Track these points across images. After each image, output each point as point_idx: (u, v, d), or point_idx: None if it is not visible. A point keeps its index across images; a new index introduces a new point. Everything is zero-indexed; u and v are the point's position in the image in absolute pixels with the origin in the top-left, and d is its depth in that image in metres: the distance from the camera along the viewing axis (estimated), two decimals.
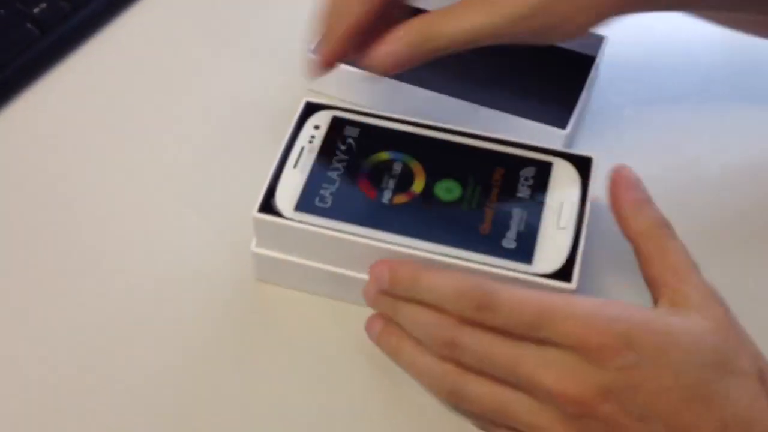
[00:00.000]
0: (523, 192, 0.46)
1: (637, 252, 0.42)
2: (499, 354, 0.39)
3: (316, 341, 0.47)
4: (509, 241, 0.44)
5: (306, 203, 0.45)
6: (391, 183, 0.46)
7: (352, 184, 0.46)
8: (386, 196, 0.46)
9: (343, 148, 0.48)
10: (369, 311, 0.45)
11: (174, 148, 0.56)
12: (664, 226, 0.42)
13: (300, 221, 0.45)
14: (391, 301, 0.43)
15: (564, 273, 0.43)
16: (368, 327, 0.44)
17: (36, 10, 0.59)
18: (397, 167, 0.47)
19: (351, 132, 0.49)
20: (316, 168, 0.47)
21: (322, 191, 0.46)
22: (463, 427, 0.44)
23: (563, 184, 0.47)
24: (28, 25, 0.58)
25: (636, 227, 0.43)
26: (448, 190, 0.46)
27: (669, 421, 0.37)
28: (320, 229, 0.44)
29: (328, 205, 0.45)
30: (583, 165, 0.47)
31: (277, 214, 0.45)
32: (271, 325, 0.48)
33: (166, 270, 0.50)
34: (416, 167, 0.47)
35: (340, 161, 0.47)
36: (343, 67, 0.52)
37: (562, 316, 0.38)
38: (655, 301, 0.41)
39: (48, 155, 0.55)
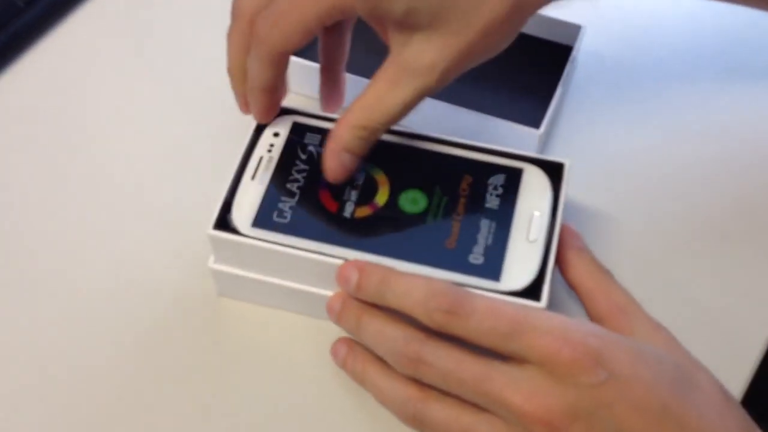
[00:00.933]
0: (492, 202, 0.44)
1: (581, 293, 0.42)
2: (465, 371, 0.38)
3: (279, 356, 0.46)
4: (476, 257, 0.42)
5: (264, 219, 0.43)
6: (354, 195, 0.44)
7: (312, 198, 0.44)
8: (348, 210, 0.44)
9: (303, 157, 0.46)
10: (332, 325, 0.43)
11: (132, 157, 0.54)
12: (605, 270, 0.43)
13: (257, 238, 0.43)
14: (356, 316, 0.41)
15: (533, 290, 0.41)
16: (333, 352, 0.43)
17: None
18: (360, 177, 0.45)
19: (312, 140, 0.46)
20: (275, 180, 0.45)
21: (280, 205, 0.44)
22: None
23: (534, 192, 0.45)
24: None
25: (579, 270, 0.42)
26: (413, 201, 0.44)
27: None
28: (277, 247, 0.42)
29: (287, 220, 0.43)
30: (555, 171, 0.45)
31: (234, 230, 0.43)
32: (233, 341, 0.46)
33: (126, 285, 0.48)
34: (380, 177, 0.45)
35: (300, 171, 0.45)
36: (314, 65, 0.50)
37: (535, 329, 0.36)
38: None
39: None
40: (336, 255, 0.42)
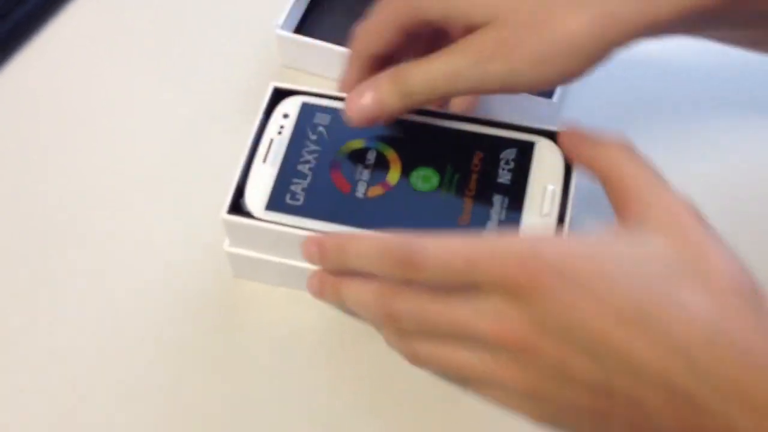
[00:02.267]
0: (504, 177, 0.44)
1: (602, 180, 0.40)
2: (433, 313, 0.37)
3: (295, 334, 0.46)
4: (490, 233, 0.42)
5: (277, 202, 0.44)
6: (366, 174, 0.44)
7: (324, 178, 0.44)
8: (360, 190, 0.44)
9: (314, 137, 0.46)
10: None
11: (144, 143, 0.54)
12: (627, 147, 0.40)
13: (271, 221, 0.43)
14: (334, 290, 0.42)
15: None
16: (309, 286, 0.43)
17: None
18: (371, 156, 0.45)
19: (321, 120, 0.46)
20: (287, 162, 0.45)
21: (293, 187, 0.44)
22: (446, 426, 0.43)
23: (546, 165, 0.44)
24: None
25: (599, 156, 0.40)
26: (425, 178, 0.44)
27: (618, 352, 0.33)
28: (292, 230, 0.42)
29: (300, 202, 0.43)
30: None
31: (248, 214, 0.43)
32: (250, 322, 0.47)
33: (143, 269, 0.49)
34: (391, 155, 0.45)
35: (311, 153, 0.45)
36: (318, 43, 0.50)
37: (486, 257, 0.35)
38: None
39: (13, 153, 0.54)
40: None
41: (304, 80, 0.54)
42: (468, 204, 0.43)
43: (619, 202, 0.39)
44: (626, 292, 0.33)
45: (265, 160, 0.45)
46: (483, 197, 0.43)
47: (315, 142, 0.45)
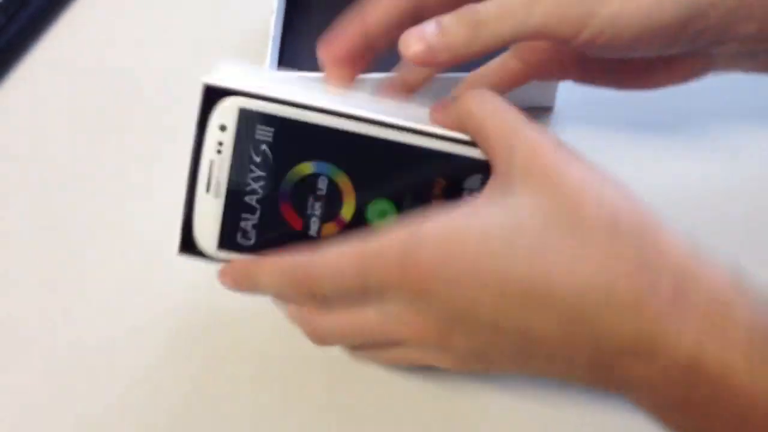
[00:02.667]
0: None
1: (472, 134, 0.38)
2: (352, 328, 0.39)
3: (270, 356, 0.48)
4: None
5: (229, 240, 0.42)
6: (317, 208, 0.41)
7: (274, 213, 0.41)
8: (314, 228, 0.41)
9: (257, 159, 0.41)
10: None
11: (116, 171, 0.55)
12: (480, 92, 0.38)
13: (226, 261, 0.42)
14: (248, 284, 0.42)
15: None
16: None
17: None
18: (322, 185, 0.41)
19: (264, 135, 0.40)
20: (232, 192, 0.41)
21: (242, 224, 0.41)
22: None
23: None
24: None
25: (458, 113, 0.39)
26: (381, 214, 0.41)
27: (518, 331, 0.35)
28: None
29: (252, 241, 0.42)
30: None
31: (200, 253, 0.42)
32: (227, 341, 0.49)
33: (119, 291, 0.50)
34: (344, 183, 0.41)
35: (256, 180, 0.41)
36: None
37: (375, 263, 0.36)
38: None
39: None
40: None
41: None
42: None
43: (488, 149, 0.38)
44: (505, 273, 0.34)
45: (208, 190, 0.41)
46: None
47: (259, 166, 0.41)
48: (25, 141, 0.57)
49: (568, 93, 0.54)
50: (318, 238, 0.41)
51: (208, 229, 0.41)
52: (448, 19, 0.39)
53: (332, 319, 0.39)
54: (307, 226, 0.41)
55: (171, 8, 0.65)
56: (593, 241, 0.33)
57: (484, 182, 0.40)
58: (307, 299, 0.40)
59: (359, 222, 0.41)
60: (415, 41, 0.39)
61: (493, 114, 0.37)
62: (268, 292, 0.40)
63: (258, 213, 0.41)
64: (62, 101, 0.59)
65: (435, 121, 0.40)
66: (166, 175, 0.52)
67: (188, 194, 0.41)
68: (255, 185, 0.41)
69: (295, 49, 0.57)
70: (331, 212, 0.41)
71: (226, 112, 0.40)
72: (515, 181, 0.35)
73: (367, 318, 0.38)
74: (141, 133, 0.58)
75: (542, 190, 0.34)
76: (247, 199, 0.41)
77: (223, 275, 0.41)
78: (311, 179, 0.41)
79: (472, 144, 0.40)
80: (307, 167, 0.41)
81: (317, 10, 0.57)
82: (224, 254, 0.42)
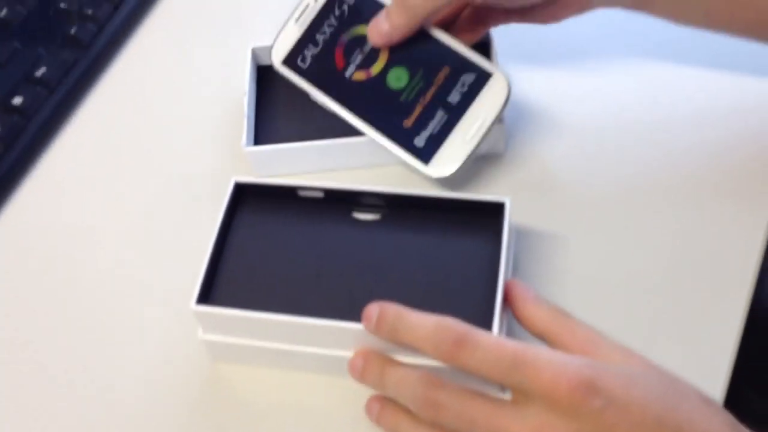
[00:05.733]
0: (454, 97, 0.56)
1: (550, 339, 0.45)
2: (476, 410, 0.41)
3: (277, 415, 0.49)
4: (420, 140, 0.56)
5: (291, 60, 0.59)
6: (359, 58, 0.58)
7: (329, 52, 0.58)
8: (349, 71, 0.58)
9: (337, 13, 0.58)
10: (328, 379, 0.50)
11: (117, 236, 0.59)
12: (564, 311, 0.45)
13: (283, 73, 0.59)
14: (379, 369, 0.46)
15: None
16: (368, 409, 0.47)
17: None
18: (368, 45, 0.58)
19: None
20: (311, 28, 0.58)
21: (306, 51, 0.59)
22: None
23: (489, 98, 0.55)
24: None
25: (541, 319, 0.45)
26: (397, 78, 0.57)
27: None
28: (262, 315, 0.47)
29: (306, 66, 0.58)
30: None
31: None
32: (230, 403, 0.50)
33: (123, 356, 0.53)
34: (383, 48, 0.58)
35: (330, 26, 0.58)
36: (287, 146, 0.59)
37: (535, 363, 0.40)
38: None
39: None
40: (336, 111, 0.57)
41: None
42: (417, 111, 0.56)
43: (576, 352, 0.43)
44: (647, 407, 0.39)
45: (297, 21, 0.59)
46: (430, 108, 0.56)
47: (336, 17, 0.58)
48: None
49: (514, 141, 0.60)
50: (348, 80, 0.57)
51: (284, 47, 0.59)
52: (393, 9, 0.55)
53: (464, 398, 0.42)
54: (345, 68, 0.58)
55: (156, 94, 0.68)
56: (698, 408, 0.40)
57: (474, 80, 0.55)
58: (442, 358, 0.43)
59: (380, 78, 0.57)
60: (375, 34, 0.56)
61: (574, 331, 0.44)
62: (410, 337, 0.44)
63: (319, 48, 0.59)
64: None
65: None
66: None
67: (212, 256, 0.50)
68: (327, 29, 0.59)
69: (267, 126, 0.62)
70: (365, 64, 0.58)
71: None
72: (626, 364, 0.42)
73: (501, 412, 0.41)
74: (152, 193, 0.62)
75: (646, 366, 0.42)
76: (317, 35, 0.59)
77: (373, 306, 0.45)
78: (363, 39, 0.58)
79: (482, 54, 0.56)
80: (364, 29, 0.58)
81: (284, 90, 0.61)
82: (283, 69, 0.58)
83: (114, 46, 0.71)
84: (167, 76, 0.69)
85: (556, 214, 0.56)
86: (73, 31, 0.69)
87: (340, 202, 0.53)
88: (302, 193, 0.53)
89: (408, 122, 0.56)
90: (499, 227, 0.50)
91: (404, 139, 0.56)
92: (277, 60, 0.59)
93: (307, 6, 0.59)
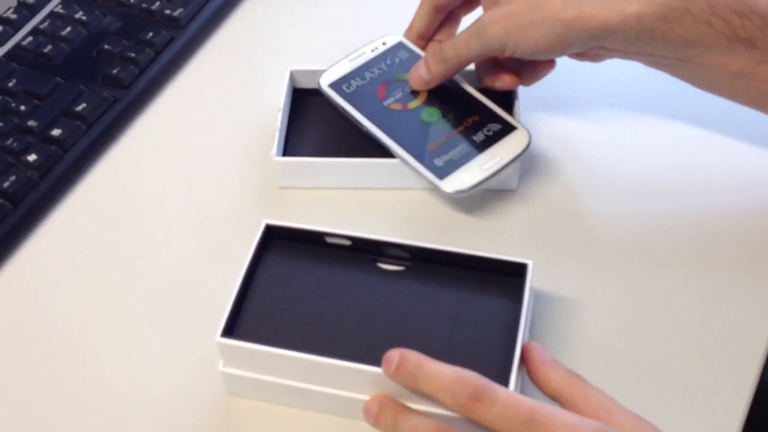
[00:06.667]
0: (479, 137, 0.60)
1: (563, 401, 0.45)
2: None
3: None
4: (440, 161, 0.59)
5: (337, 86, 0.63)
6: (399, 95, 0.63)
7: (374, 86, 0.64)
8: (388, 101, 0.62)
9: (389, 62, 0.65)
10: (342, 421, 0.50)
11: (142, 266, 0.60)
12: (578, 375, 0.46)
13: (327, 94, 0.63)
14: (393, 416, 0.46)
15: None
16: (366, 411, 0.48)
17: (6, 184, 0.63)
18: (409, 88, 0.63)
19: (402, 55, 0.65)
20: (362, 67, 0.64)
21: (353, 82, 0.64)
22: None
23: (511, 144, 0.59)
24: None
25: (555, 381, 0.46)
26: (430, 114, 0.62)
27: None
28: (285, 352, 0.48)
29: (350, 91, 0.63)
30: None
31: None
32: None
33: (139, 389, 0.53)
34: (423, 92, 0.63)
35: (380, 69, 0.64)
36: (313, 160, 0.63)
37: (550, 421, 0.41)
38: None
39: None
40: (365, 126, 0.61)
41: (303, 195, 0.63)
42: (443, 139, 0.60)
43: (589, 416, 0.44)
44: None
45: (351, 60, 0.65)
46: (455, 140, 0.60)
47: (388, 65, 0.64)
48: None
49: (527, 177, 0.63)
50: (386, 108, 0.62)
51: (334, 75, 0.64)
52: (430, 60, 0.61)
53: None
54: (385, 99, 0.62)
55: (198, 106, 0.72)
56: None
57: (499, 129, 0.60)
58: (458, 409, 0.43)
59: (415, 112, 0.62)
60: (416, 80, 0.62)
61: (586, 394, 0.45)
62: (428, 386, 0.44)
63: (366, 81, 0.64)
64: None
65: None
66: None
67: (238, 294, 0.52)
68: (376, 71, 0.64)
69: (296, 139, 0.65)
70: (404, 100, 0.62)
71: (390, 38, 0.66)
72: None
73: None
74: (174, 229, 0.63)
75: None
76: (366, 73, 0.64)
77: (394, 352, 0.46)
78: (406, 83, 0.63)
79: (509, 110, 0.61)
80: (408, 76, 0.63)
81: (315, 109, 0.67)
82: (328, 90, 0.63)
83: (153, 88, 0.73)
84: (201, 119, 0.71)
85: (571, 274, 0.57)
86: (114, 71, 0.72)
87: (365, 252, 0.54)
88: (329, 240, 0.55)
89: (432, 146, 0.60)
90: (520, 286, 0.51)
91: (425, 158, 0.59)
92: (325, 82, 0.64)
93: (363, 53, 0.65)
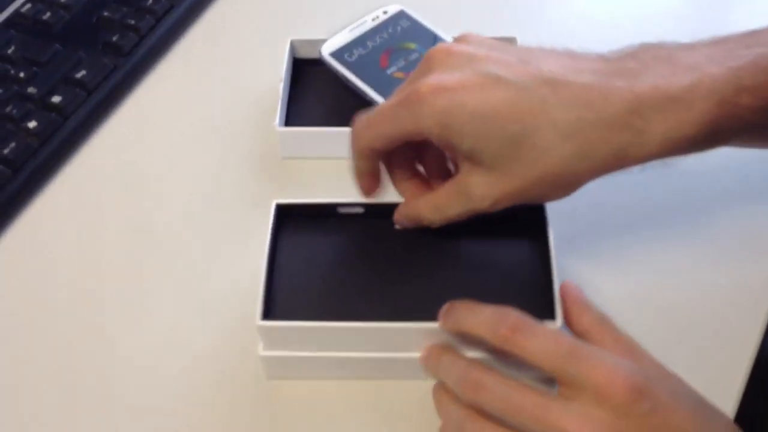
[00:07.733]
0: None
1: (593, 341, 0.46)
2: (524, 397, 0.42)
3: (337, 424, 0.50)
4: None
5: (339, 54, 0.63)
6: (402, 63, 0.63)
7: (376, 55, 0.64)
8: (391, 70, 0.63)
9: (390, 31, 0.65)
10: (381, 384, 0.51)
11: (139, 235, 0.60)
12: (609, 319, 0.47)
13: (327, 62, 0.63)
14: (437, 356, 0.48)
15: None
16: (421, 356, 0.49)
17: (6, 151, 0.62)
18: (413, 57, 0.63)
19: (405, 23, 0.65)
20: (363, 37, 0.64)
21: (354, 49, 0.64)
22: None
23: None
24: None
25: (587, 321, 0.47)
26: None
27: None
28: (323, 324, 0.48)
29: (352, 59, 0.63)
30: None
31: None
32: (286, 422, 0.50)
33: (178, 376, 0.52)
34: None
35: (382, 38, 0.64)
36: (314, 129, 0.62)
37: (590, 358, 0.42)
38: None
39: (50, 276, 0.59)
40: (368, 94, 0.61)
41: (306, 165, 0.63)
42: None
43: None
44: (688, 417, 0.42)
45: (351, 30, 0.64)
46: None
47: (390, 34, 0.64)
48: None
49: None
50: (389, 76, 0.62)
51: (335, 44, 0.64)
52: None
53: (509, 385, 0.43)
54: (388, 68, 0.62)
55: (198, 74, 0.72)
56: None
57: None
58: (498, 341, 0.44)
59: None
60: (400, 221, 0.52)
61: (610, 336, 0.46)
62: (472, 323, 0.45)
63: (368, 50, 0.63)
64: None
65: None
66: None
67: (267, 273, 0.51)
68: (378, 39, 0.64)
69: (297, 109, 0.64)
70: (407, 69, 0.62)
71: (391, 7, 0.66)
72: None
73: (545, 401, 0.41)
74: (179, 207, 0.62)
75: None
76: (368, 42, 0.64)
77: (447, 304, 0.47)
78: (409, 51, 0.63)
79: None
80: (411, 45, 0.64)
81: (316, 78, 0.66)
82: (329, 58, 0.63)
83: (153, 56, 0.73)
84: (202, 88, 0.71)
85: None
86: (114, 38, 0.71)
87: (380, 216, 0.53)
88: (342, 210, 0.54)
89: None
90: (538, 230, 0.51)
91: None
92: (326, 51, 0.64)
93: (364, 22, 0.65)
